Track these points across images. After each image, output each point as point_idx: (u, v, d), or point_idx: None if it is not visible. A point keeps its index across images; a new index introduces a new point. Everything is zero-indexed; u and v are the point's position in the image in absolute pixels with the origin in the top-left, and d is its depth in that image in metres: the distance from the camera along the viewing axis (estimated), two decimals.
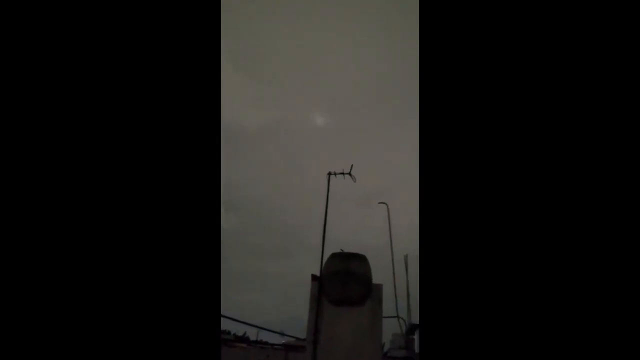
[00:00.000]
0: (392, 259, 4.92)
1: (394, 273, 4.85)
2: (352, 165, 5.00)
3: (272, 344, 9.68)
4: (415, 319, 6.86)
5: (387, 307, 4.38)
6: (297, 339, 8.99)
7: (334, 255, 4.31)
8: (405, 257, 6.05)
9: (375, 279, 4.22)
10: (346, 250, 4.33)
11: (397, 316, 4.79)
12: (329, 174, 5.00)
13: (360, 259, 4.25)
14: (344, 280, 4.04)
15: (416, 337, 7.77)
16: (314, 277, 4.21)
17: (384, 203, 5.24)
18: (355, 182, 5.05)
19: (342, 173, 5.02)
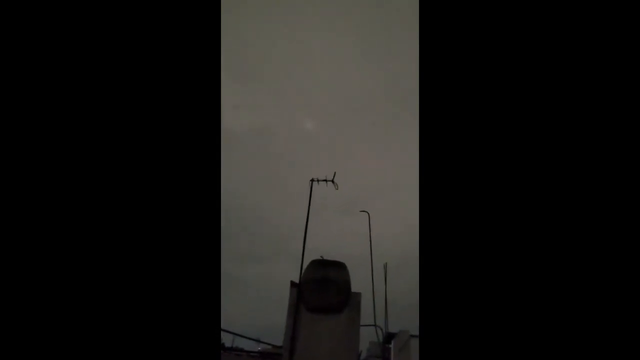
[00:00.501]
0: (372, 268, 4.95)
1: (373, 281, 4.88)
2: (334, 173, 5.03)
3: (248, 351, 9.53)
4: (393, 328, 6.90)
5: (365, 315, 4.40)
6: (274, 346, 8.88)
7: (313, 263, 4.30)
8: (385, 266, 6.10)
9: (355, 287, 4.23)
10: (326, 257, 4.34)
11: (375, 325, 4.81)
12: (312, 180, 5.02)
13: (339, 266, 4.26)
14: (322, 288, 4.03)
15: (392, 345, 7.81)
16: (292, 283, 4.19)
17: (365, 211, 5.28)
18: (337, 189, 5.08)
19: (325, 180, 5.04)
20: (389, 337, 7.29)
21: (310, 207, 4.84)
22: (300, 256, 4.42)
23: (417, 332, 7.27)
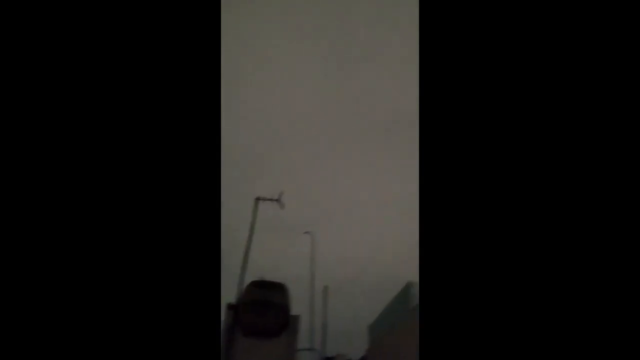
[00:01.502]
0: (313, 290, 4.90)
1: (313, 305, 4.82)
2: (281, 192, 4.98)
3: None
4: (330, 352, 6.83)
5: (303, 339, 4.30)
6: None
7: (253, 284, 4.15)
8: (325, 289, 6.08)
9: (294, 310, 4.13)
10: (267, 278, 4.21)
11: (312, 349, 4.72)
12: (257, 199, 4.91)
13: (280, 288, 4.14)
14: (261, 311, 3.89)
15: None
16: (229, 306, 3.99)
17: (308, 232, 5.26)
18: (282, 209, 5.02)
19: (271, 199, 4.97)
20: None
21: (255, 225, 4.72)
22: (238, 276, 4.25)
23: (354, 357, 7.26)
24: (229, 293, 4.20)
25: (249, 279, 4.27)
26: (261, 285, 4.11)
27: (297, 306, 4.28)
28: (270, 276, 4.24)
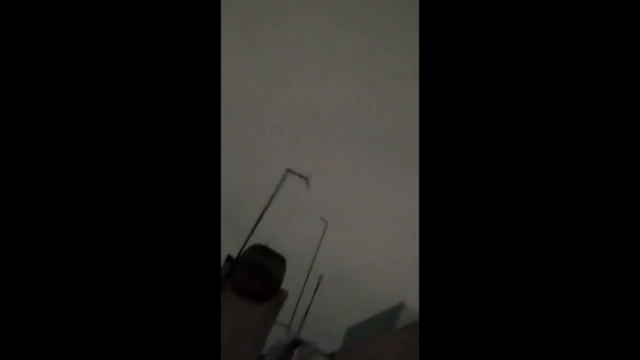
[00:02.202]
0: (308, 274, 4.97)
1: (304, 287, 4.90)
2: (311, 173, 5.02)
3: None
4: (304, 337, 6.95)
5: (284, 315, 4.40)
6: None
7: (256, 246, 4.26)
8: (320, 278, 6.13)
9: (286, 286, 4.23)
10: (271, 246, 4.31)
11: (289, 325, 4.82)
12: (288, 170, 4.99)
13: (279, 260, 4.24)
14: (253, 274, 4.00)
15: (295, 354, 7.85)
16: (229, 257, 4.13)
17: (324, 220, 5.31)
18: (308, 189, 5.07)
19: (300, 175, 5.03)
20: (296, 343, 7.33)
21: (277, 194, 4.81)
22: (246, 234, 4.37)
23: (325, 349, 7.35)
24: (233, 247, 4.34)
25: (255, 240, 4.39)
26: (262, 251, 4.22)
27: (289, 284, 4.37)
28: (274, 246, 4.34)
